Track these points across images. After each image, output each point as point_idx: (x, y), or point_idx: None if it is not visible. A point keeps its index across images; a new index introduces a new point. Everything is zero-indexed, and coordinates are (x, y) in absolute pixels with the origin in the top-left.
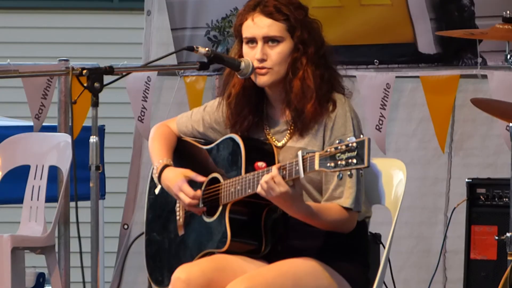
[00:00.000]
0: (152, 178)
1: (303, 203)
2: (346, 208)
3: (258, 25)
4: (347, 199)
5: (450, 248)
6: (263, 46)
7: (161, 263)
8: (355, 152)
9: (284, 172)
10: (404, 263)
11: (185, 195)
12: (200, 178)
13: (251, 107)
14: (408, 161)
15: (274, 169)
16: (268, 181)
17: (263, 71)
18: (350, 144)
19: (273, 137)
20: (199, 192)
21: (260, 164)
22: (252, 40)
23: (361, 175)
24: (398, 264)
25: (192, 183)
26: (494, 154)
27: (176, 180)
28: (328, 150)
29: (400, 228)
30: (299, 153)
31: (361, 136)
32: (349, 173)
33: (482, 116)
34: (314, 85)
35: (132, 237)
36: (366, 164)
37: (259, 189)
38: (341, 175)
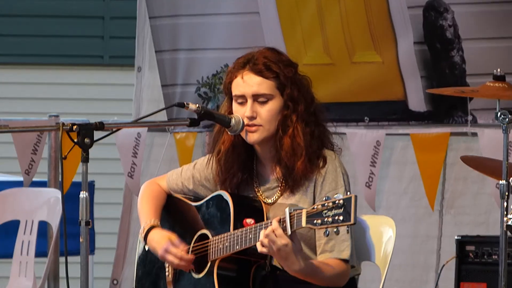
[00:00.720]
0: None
1: (304, 259)
2: (343, 261)
3: (248, 83)
4: (344, 252)
5: None
6: (253, 103)
7: None
8: (342, 209)
9: (284, 225)
10: None
11: (174, 257)
12: (182, 247)
13: (240, 164)
14: (399, 218)
15: (275, 222)
16: (269, 233)
17: (253, 128)
18: (337, 201)
19: (263, 194)
20: (188, 256)
21: (249, 221)
22: (241, 98)
23: (348, 232)
24: None
25: (181, 239)
26: (485, 212)
27: (162, 242)
28: (315, 207)
29: (392, 285)
30: (286, 210)
31: (348, 193)
32: (335, 230)
33: (473, 174)
34: (304, 143)
35: None
36: (352, 221)
37: (259, 247)
38: (327, 231)
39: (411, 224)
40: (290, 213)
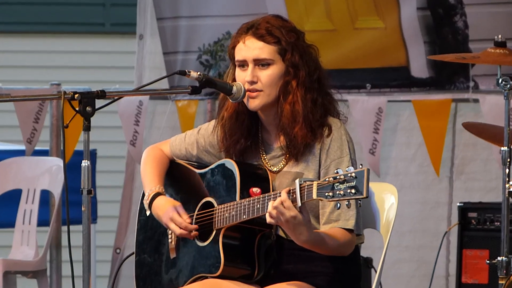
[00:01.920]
0: (142, 200)
1: (312, 230)
2: (348, 230)
3: (249, 47)
4: (348, 221)
5: (452, 272)
6: (254, 68)
7: (152, 285)
8: (354, 183)
9: (294, 196)
10: (405, 287)
11: (176, 226)
12: (184, 216)
13: (244, 130)
14: (408, 185)
15: (284, 193)
16: (277, 206)
17: (254, 94)
18: (349, 174)
19: (269, 162)
20: (192, 226)
21: (255, 190)
22: (243, 62)
23: (360, 205)
24: (399, 287)
25: (185, 206)
26: (496, 178)
27: (167, 209)
28: (327, 179)
29: (401, 252)
30: (297, 181)
31: (361, 165)
32: (347, 203)
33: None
34: (303, 109)
35: (125, 261)
36: (365, 194)
37: (268, 217)
38: (339, 205)
39: (421, 191)
40: (300, 184)
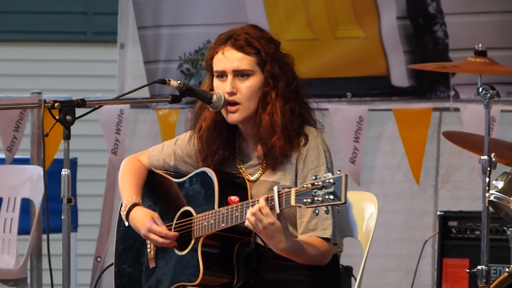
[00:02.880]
0: (121, 210)
1: (290, 238)
2: (325, 239)
3: (229, 58)
4: (326, 230)
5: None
6: (233, 79)
7: None
8: (332, 189)
9: (272, 203)
10: None
11: (156, 236)
12: (163, 226)
13: (221, 141)
14: (394, 193)
15: (262, 200)
16: (255, 212)
17: (233, 108)
18: (327, 181)
19: (246, 171)
20: (172, 233)
21: (234, 198)
22: (222, 74)
23: (338, 211)
24: None
25: (163, 216)
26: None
27: (144, 220)
28: (305, 185)
29: (387, 260)
30: (275, 188)
31: (339, 171)
32: (325, 209)
33: None
34: (282, 120)
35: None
36: (343, 200)
37: (246, 222)
38: (317, 211)
39: (406, 199)
40: (278, 191)
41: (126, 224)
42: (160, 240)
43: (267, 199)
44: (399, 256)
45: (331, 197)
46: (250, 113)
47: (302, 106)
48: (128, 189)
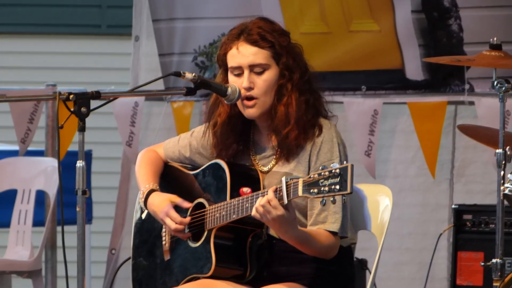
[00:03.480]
0: (139, 203)
1: (297, 228)
2: (332, 233)
3: (243, 53)
4: (333, 224)
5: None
6: (250, 74)
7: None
8: (338, 179)
9: (281, 194)
10: None
11: (171, 221)
12: (186, 204)
13: (236, 136)
14: (408, 187)
15: (270, 192)
16: (264, 204)
17: (251, 103)
18: (333, 171)
19: (259, 163)
20: (186, 219)
21: (245, 189)
22: (238, 69)
23: (344, 201)
24: None
25: (178, 209)
26: (496, 180)
27: (162, 205)
28: (312, 176)
29: (402, 254)
30: (283, 179)
31: (345, 162)
32: (332, 199)
33: None
34: (297, 111)
35: (119, 262)
36: (349, 190)
37: (254, 212)
38: (324, 201)
39: (421, 193)
40: (286, 182)
41: (141, 215)
42: (174, 225)
43: (275, 191)
44: (413, 249)
45: (337, 187)
46: (267, 107)
47: (315, 97)
48: (145, 177)
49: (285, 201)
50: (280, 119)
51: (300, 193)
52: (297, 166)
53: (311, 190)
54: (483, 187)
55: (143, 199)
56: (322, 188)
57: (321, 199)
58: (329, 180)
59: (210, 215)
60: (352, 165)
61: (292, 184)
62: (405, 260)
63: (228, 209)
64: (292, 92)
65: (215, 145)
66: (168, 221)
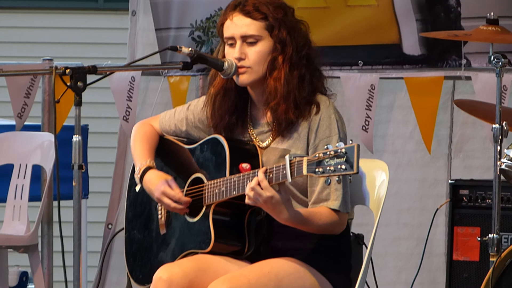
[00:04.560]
0: (132, 176)
1: (292, 209)
2: (335, 210)
3: (237, 24)
4: (335, 201)
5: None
6: (242, 45)
7: (142, 261)
8: (344, 158)
9: (271, 176)
10: (405, 264)
11: (169, 200)
12: (178, 191)
13: (230, 107)
14: (406, 162)
15: (260, 173)
16: (254, 187)
17: (242, 69)
18: (339, 150)
19: (257, 138)
20: (184, 198)
21: (245, 165)
22: (231, 40)
23: (350, 181)
24: (399, 265)
25: (175, 181)
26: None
27: (158, 184)
28: (317, 155)
29: (399, 229)
30: (287, 157)
31: (351, 141)
32: (337, 178)
33: None
34: (285, 86)
35: (116, 237)
36: (355, 170)
37: (246, 199)
38: (329, 180)
39: (419, 168)
40: (290, 160)
41: (135, 188)
42: (173, 204)
43: (265, 172)
44: (411, 225)
45: (343, 166)
46: (259, 77)
47: (314, 73)
48: (141, 153)
49: (289, 179)
50: (270, 93)
51: (304, 171)
52: (295, 143)
53: (316, 169)
54: (482, 162)
55: (139, 176)
56: (327, 168)
57: (326, 179)
58: (335, 160)
59: (209, 191)
60: (358, 145)
61: (296, 163)
62: (403, 235)
63: (228, 185)
64: (283, 66)
65: (211, 115)
66: (165, 200)
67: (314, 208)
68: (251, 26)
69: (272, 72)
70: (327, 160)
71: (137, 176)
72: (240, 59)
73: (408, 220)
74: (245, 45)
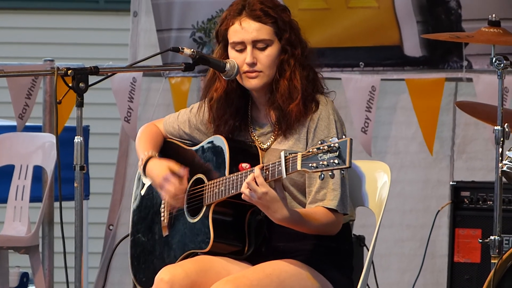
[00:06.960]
0: (138, 179)
1: (287, 208)
2: (331, 210)
3: (247, 29)
4: (331, 201)
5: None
6: (253, 50)
7: (146, 264)
8: (337, 153)
9: (267, 172)
10: (408, 266)
11: (172, 185)
12: (183, 172)
13: (232, 111)
14: (409, 163)
15: (257, 169)
16: (249, 182)
17: (253, 74)
18: (332, 145)
19: (258, 139)
20: (185, 184)
21: (245, 165)
22: (240, 45)
23: (343, 176)
24: (402, 266)
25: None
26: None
27: (161, 170)
28: (310, 150)
29: (402, 230)
30: (282, 153)
31: (344, 136)
32: (330, 173)
33: None
34: (300, 86)
35: (117, 238)
36: (347, 164)
37: (243, 195)
38: (322, 175)
39: (422, 170)
40: (285, 156)
41: (141, 192)
42: (173, 190)
43: (262, 169)
44: (414, 226)
45: (336, 161)
46: (269, 79)
47: (314, 72)
48: (144, 147)
49: (284, 175)
50: (282, 93)
51: (299, 167)
52: (295, 143)
53: (310, 164)
54: (484, 164)
55: (142, 166)
56: (320, 163)
57: (319, 174)
58: (328, 155)
59: (209, 190)
60: (351, 139)
61: (291, 159)
62: (406, 237)
63: (227, 184)
64: (295, 67)
65: (212, 120)
66: (168, 186)
67: (310, 208)
68: (262, 30)
69: (283, 73)
70: (321, 155)
71: (140, 168)
72: (252, 64)
73: (411, 221)
74: (256, 50)
